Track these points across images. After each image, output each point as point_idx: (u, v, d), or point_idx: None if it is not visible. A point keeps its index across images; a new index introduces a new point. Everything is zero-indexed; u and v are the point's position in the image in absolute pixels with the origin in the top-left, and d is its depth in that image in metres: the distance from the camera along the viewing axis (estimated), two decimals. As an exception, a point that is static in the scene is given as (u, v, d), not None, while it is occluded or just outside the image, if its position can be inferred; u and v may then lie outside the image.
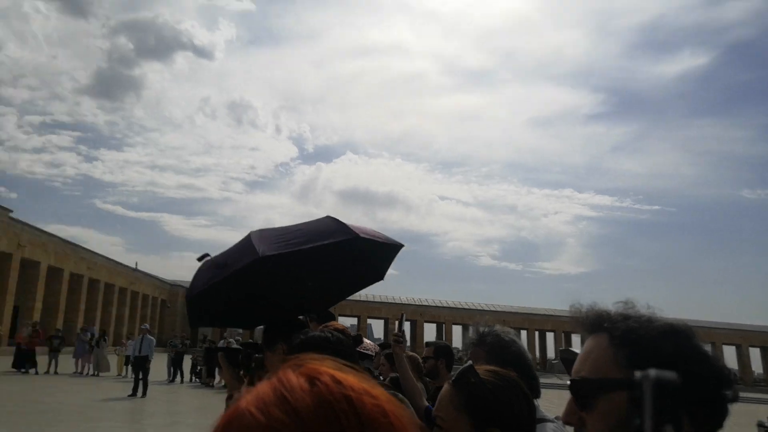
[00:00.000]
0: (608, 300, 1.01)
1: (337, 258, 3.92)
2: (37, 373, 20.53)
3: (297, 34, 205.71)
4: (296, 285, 3.94)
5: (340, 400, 0.49)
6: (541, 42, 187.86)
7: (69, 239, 39.26)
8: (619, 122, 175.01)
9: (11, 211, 30.53)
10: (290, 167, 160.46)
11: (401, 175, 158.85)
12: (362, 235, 3.56)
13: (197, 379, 22.17)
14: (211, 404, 15.32)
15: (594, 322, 0.99)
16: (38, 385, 17.00)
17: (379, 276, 4.27)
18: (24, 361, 20.83)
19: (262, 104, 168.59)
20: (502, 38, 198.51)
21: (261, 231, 3.67)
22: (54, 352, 21.81)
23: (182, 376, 21.75)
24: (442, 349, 3.94)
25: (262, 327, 3.37)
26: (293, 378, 0.51)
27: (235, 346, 4.32)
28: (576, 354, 1.01)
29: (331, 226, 3.61)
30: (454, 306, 61.53)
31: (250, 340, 7.28)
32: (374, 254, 4.05)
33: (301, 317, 3.63)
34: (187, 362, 22.64)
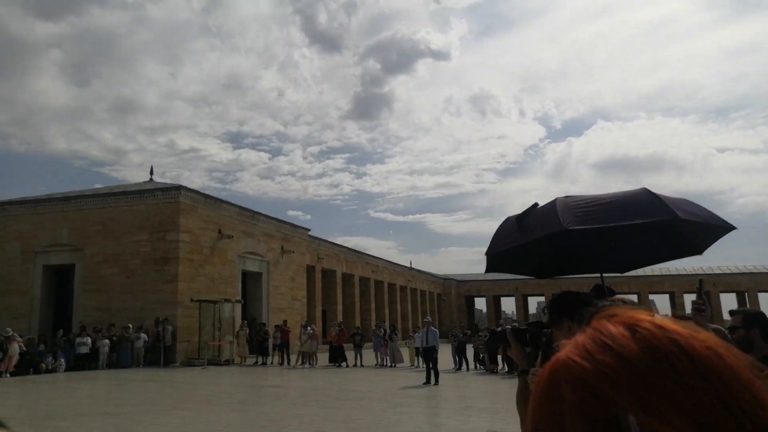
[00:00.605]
0: None
1: (649, 233, 3.62)
2: (347, 366, 23.72)
3: (526, 12, 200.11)
4: (597, 253, 3.81)
5: (667, 344, 0.48)
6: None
7: (354, 248, 44.64)
8: None
9: (309, 230, 35.99)
10: (539, 148, 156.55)
11: (664, 134, 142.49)
12: (683, 216, 3.21)
13: (481, 366, 23.04)
14: (499, 388, 15.77)
15: None
16: (349, 377, 19.62)
17: (697, 251, 3.83)
18: (336, 356, 24.29)
19: (502, 91, 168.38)
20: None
21: (567, 198, 3.52)
22: (357, 348, 24.95)
23: (467, 364, 22.83)
24: (753, 317, 3.39)
25: (544, 306, 3.36)
26: (611, 327, 0.52)
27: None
28: None
29: (646, 203, 3.32)
30: (756, 271, 52.67)
31: (525, 323, 7.31)
32: (694, 233, 3.62)
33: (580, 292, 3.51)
34: (469, 351, 23.69)
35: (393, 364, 24.06)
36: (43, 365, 20.28)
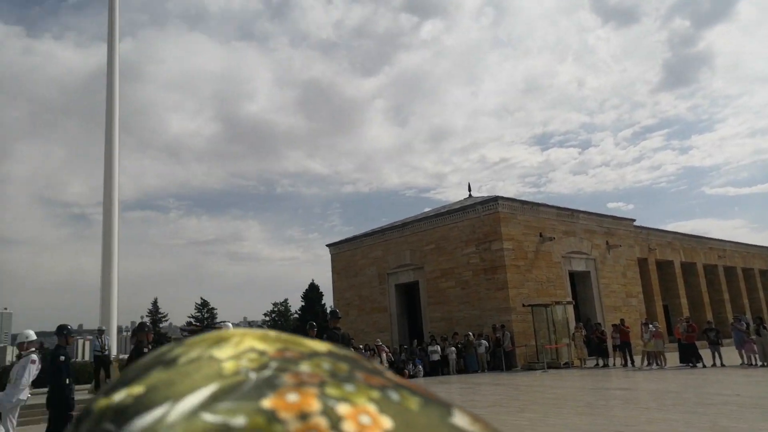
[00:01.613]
0: None
1: None
2: (703, 366, 21.13)
3: None
4: None
5: None
6: None
7: (691, 233, 39.89)
8: None
9: (634, 220, 33.58)
10: None
11: None
12: None
13: None
14: None
15: None
16: (708, 378, 17.44)
17: None
18: (688, 355, 21.88)
19: None
20: None
21: None
22: (713, 345, 22.01)
23: None
24: None
25: None
26: None
27: None
28: None
29: None
30: None
31: None
32: None
33: None
34: None
35: (764, 363, 20.51)
36: (406, 371, 23.47)
